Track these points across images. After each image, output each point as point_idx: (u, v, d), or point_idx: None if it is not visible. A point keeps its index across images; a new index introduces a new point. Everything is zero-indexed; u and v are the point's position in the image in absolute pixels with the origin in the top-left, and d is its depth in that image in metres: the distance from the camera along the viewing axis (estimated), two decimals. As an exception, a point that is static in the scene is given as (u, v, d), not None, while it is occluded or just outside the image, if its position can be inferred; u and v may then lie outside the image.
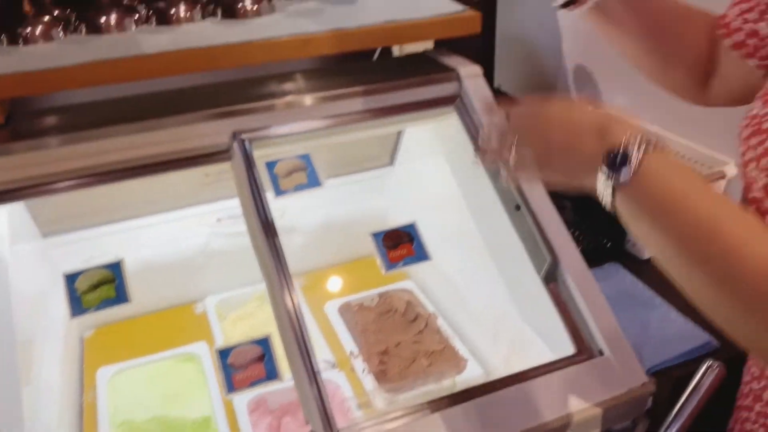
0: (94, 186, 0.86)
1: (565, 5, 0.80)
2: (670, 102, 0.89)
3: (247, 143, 0.88)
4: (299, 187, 0.89)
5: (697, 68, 0.81)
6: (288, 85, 1.02)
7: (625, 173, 0.53)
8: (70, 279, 0.84)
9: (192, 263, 1.23)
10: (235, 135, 0.89)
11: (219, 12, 1.05)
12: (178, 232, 1.20)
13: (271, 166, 0.89)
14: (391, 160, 1.35)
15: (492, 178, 0.96)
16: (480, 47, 1.60)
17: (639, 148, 0.53)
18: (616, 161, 0.54)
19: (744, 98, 0.73)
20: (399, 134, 1.25)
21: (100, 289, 0.84)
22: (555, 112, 0.61)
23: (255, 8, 1.05)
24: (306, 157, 0.91)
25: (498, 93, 1.65)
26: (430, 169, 1.20)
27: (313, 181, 0.90)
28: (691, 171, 0.56)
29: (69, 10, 1.04)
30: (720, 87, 0.81)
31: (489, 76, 1.66)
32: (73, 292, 0.83)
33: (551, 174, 0.62)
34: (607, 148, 0.55)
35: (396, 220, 0.98)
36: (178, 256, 1.22)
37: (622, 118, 0.58)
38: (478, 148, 0.91)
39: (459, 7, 1.08)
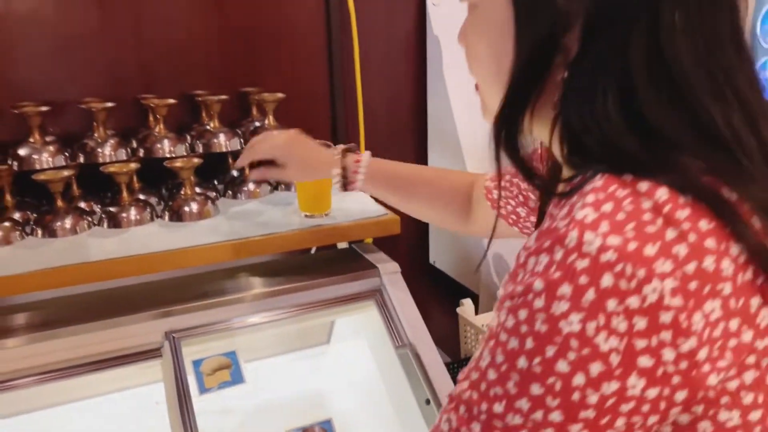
0: (38, 384, 0.92)
1: (342, 187, 1.03)
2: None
3: (177, 342, 0.97)
4: (223, 385, 0.96)
5: (458, 212, 0.99)
6: (225, 283, 1.12)
7: None
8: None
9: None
10: (167, 334, 0.98)
11: (167, 215, 1.18)
12: (116, 414, 1.24)
13: (197, 364, 0.97)
14: (328, 339, 1.43)
15: (407, 373, 1.04)
16: (417, 229, 1.76)
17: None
18: None
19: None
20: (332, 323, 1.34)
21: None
22: None
23: (200, 212, 1.18)
24: (232, 354, 1.00)
25: (432, 268, 1.78)
26: (355, 353, 1.28)
27: (237, 378, 0.97)
28: None
29: (29, 211, 1.16)
30: (481, 223, 0.97)
31: (425, 250, 1.81)
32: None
33: None
34: None
35: (326, 402, 1.04)
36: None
37: None
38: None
39: (383, 210, 1.23)
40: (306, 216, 1.20)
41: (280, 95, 1.35)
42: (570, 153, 0.51)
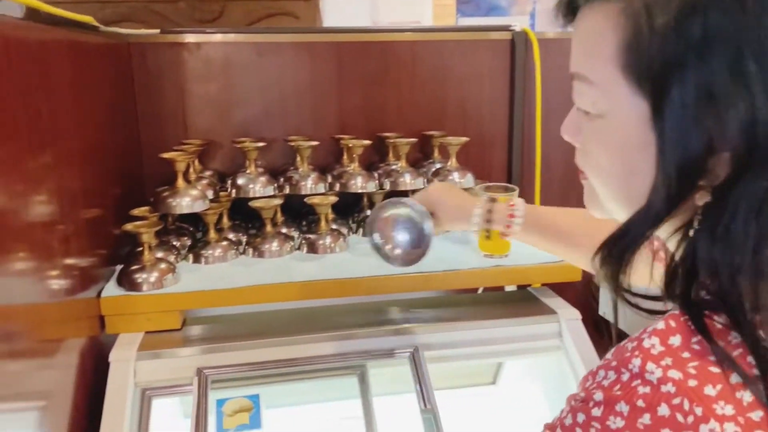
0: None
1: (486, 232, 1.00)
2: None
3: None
4: (240, 428, 1.00)
5: None
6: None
7: None
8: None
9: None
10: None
11: (358, 244, 1.27)
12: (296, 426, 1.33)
13: (220, 403, 1.01)
14: (494, 380, 1.44)
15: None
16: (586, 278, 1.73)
17: None
18: None
19: None
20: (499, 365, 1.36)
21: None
22: None
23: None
24: (255, 398, 1.03)
25: (602, 320, 1.73)
26: (528, 397, 1.28)
27: (255, 423, 1.00)
28: None
29: (242, 234, 1.31)
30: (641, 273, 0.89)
31: (596, 300, 1.77)
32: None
33: None
34: None
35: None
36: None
37: None
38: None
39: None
40: (485, 255, 1.23)
41: (463, 139, 1.42)
42: (672, 280, 0.49)
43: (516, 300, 1.27)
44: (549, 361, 1.19)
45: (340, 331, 1.08)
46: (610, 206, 0.56)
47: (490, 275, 1.19)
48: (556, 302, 1.21)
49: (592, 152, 0.54)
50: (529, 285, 1.31)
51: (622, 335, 0.69)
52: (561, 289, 1.30)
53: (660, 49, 0.45)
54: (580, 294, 1.75)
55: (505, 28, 1.54)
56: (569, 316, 1.16)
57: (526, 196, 1.62)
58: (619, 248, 0.51)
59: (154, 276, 1.07)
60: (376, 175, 1.38)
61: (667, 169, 0.47)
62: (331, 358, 1.06)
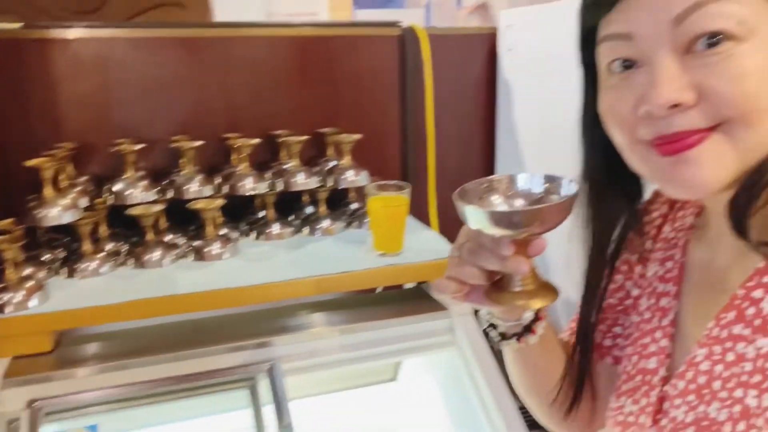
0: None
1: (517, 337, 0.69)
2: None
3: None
4: None
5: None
6: (305, 318, 1.16)
7: None
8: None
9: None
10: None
11: (248, 248, 1.23)
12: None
13: None
14: (395, 376, 1.44)
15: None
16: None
17: None
18: None
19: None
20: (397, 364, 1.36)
21: None
22: None
23: (278, 245, 1.23)
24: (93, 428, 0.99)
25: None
26: (426, 392, 1.29)
27: None
28: None
29: (122, 243, 1.23)
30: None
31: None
32: None
33: None
34: None
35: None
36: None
37: None
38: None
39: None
40: (379, 255, 1.22)
41: (356, 136, 1.40)
42: None
43: (410, 298, 1.27)
44: (443, 356, 1.19)
45: (228, 344, 1.04)
46: (746, 158, 0.51)
47: (383, 274, 1.18)
48: (447, 297, 1.22)
49: (733, 88, 0.49)
50: (426, 281, 1.32)
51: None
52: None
53: None
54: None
55: (393, 24, 1.54)
56: (460, 311, 1.17)
57: (421, 191, 1.63)
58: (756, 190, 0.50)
59: (19, 296, 0.98)
60: (267, 175, 1.34)
61: None
62: (220, 373, 1.01)
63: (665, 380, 0.61)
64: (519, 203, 0.60)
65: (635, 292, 0.71)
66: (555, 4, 1.43)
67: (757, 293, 0.52)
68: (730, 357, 0.53)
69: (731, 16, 0.48)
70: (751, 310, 0.52)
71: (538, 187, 0.60)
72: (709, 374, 0.55)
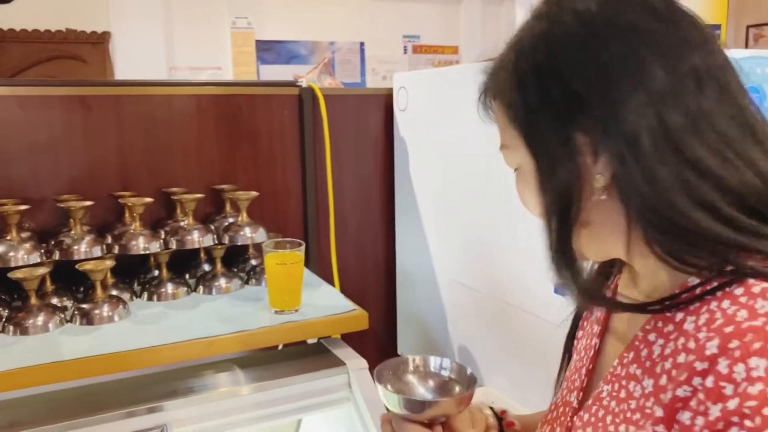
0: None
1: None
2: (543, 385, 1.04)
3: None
4: None
5: None
6: (197, 380, 1.14)
7: None
8: None
9: None
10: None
11: (139, 311, 1.20)
12: None
13: None
14: (295, 436, 1.43)
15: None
16: (386, 322, 1.80)
17: None
18: None
19: None
20: (299, 422, 1.35)
21: None
22: None
23: (171, 307, 1.21)
24: None
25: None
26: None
27: None
28: None
29: (3, 310, 1.17)
30: None
31: (394, 342, 1.84)
32: None
33: None
34: None
35: None
36: None
37: None
38: None
39: (351, 306, 1.27)
40: (276, 312, 1.23)
41: (253, 194, 1.41)
42: (668, 253, 0.54)
43: (310, 354, 1.27)
44: (342, 413, 1.20)
45: (118, 410, 1.01)
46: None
47: (279, 332, 1.19)
48: (346, 353, 1.24)
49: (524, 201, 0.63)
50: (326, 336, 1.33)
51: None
52: (363, 335, 1.33)
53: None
54: (383, 338, 1.82)
55: (292, 84, 1.58)
56: (357, 366, 1.19)
57: (323, 246, 1.66)
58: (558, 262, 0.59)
59: None
60: (160, 234, 1.33)
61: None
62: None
63: (575, 412, 0.66)
64: (429, 385, 0.74)
65: (579, 334, 0.76)
66: (443, 69, 1.52)
67: (652, 336, 0.57)
68: (623, 394, 0.58)
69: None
70: (644, 352, 0.57)
71: (446, 372, 0.74)
72: (606, 409, 0.60)
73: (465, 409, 0.70)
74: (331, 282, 1.57)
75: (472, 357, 1.53)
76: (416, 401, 0.69)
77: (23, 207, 1.20)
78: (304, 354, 1.29)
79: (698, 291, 0.53)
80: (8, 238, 1.18)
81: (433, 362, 0.75)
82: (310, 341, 1.38)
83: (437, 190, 1.59)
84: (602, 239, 0.59)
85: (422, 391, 0.73)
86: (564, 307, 0.72)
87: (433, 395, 0.73)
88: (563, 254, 0.59)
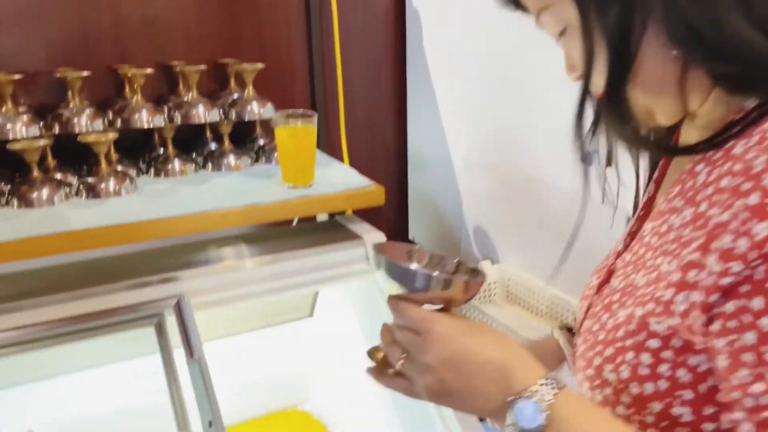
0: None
1: None
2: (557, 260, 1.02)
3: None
4: None
5: None
6: (220, 251, 1.11)
7: (535, 422, 0.49)
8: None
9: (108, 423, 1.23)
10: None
11: (146, 184, 1.16)
12: (91, 391, 1.21)
13: None
14: (311, 313, 1.43)
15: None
16: (397, 206, 1.77)
17: (545, 397, 0.50)
18: (523, 410, 0.50)
19: None
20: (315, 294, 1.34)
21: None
22: (446, 342, 0.54)
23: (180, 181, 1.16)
24: None
25: (412, 243, 1.78)
26: (343, 325, 1.28)
27: None
28: (600, 411, 0.53)
29: (3, 183, 1.12)
30: None
31: (405, 226, 1.82)
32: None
33: (447, 404, 0.56)
34: (512, 396, 0.51)
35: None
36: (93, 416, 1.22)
37: (523, 356, 0.54)
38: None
39: (366, 181, 1.23)
40: (289, 187, 1.18)
41: (259, 65, 1.33)
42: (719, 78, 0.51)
43: (324, 230, 1.24)
44: (360, 286, 1.19)
45: (130, 280, 0.98)
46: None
47: (293, 206, 1.15)
48: (362, 227, 1.21)
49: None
50: (343, 212, 1.30)
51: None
52: (374, 217, 1.30)
53: None
54: (394, 221, 1.79)
55: (296, -53, 1.46)
56: (374, 239, 1.15)
57: (331, 125, 1.59)
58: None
59: None
60: (164, 108, 1.26)
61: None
62: (123, 311, 0.96)
63: (619, 255, 0.64)
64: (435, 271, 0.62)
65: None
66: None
67: (699, 167, 0.53)
68: (663, 228, 0.56)
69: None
70: (689, 183, 0.54)
71: (450, 266, 0.64)
72: (647, 246, 0.58)
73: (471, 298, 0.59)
74: (342, 163, 1.52)
75: (489, 237, 1.50)
76: (422, 273, 0.58)
77: (17, 76, 1.13)
78: (319, 229, 1.25)
79: (753, 115, 0.49)
80: (3, 110, 1.12)
81: (439, 255, 0.66)
82: (321, 218, 1.35)
83: (453, 68, 1.51)
84: (655, 77, 0.53)
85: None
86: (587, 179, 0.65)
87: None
88: (617, 101, 0.54)
